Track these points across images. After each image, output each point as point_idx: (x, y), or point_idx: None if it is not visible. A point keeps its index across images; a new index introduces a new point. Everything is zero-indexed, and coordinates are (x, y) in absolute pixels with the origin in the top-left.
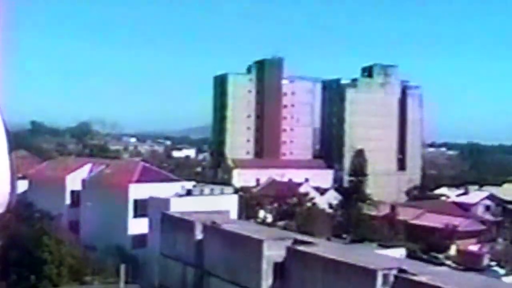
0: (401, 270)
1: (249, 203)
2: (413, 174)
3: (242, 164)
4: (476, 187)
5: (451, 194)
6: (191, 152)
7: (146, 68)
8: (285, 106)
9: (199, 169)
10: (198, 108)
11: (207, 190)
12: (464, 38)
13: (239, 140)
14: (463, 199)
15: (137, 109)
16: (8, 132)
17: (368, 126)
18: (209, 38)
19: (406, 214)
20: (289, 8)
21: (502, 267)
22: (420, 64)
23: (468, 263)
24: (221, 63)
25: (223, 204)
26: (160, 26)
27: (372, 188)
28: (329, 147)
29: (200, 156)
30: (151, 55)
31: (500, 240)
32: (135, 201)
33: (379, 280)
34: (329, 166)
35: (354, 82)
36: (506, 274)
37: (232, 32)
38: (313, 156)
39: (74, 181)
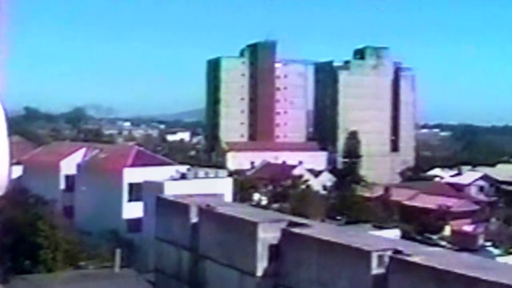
0: (396, 251)
1: (243, 186)
2: (407, 156)
3: (236, 147)
4: (469, 167)
5: (444, 175)
6: (185, 136)
7: (139, 54)
8: (278, 89)
9: (193, 152)
10: (192, 92)
11: (201, 173)
12: (456, 21)
13: (233, 123)
14: (457, 180)
15: (131, 94)
16: (6, 116)
17: (361, 108)
18: (202, 22)
19: (400, 195)
20: None
21: (496, 247)
22: (413, 47)
23: (463, 243)
24: (214, 47)
25: (217, 187)
26: (153, 12)
27: (365, 169)
28: (322, 130)
29: (194, 140)
30: (144, 41)
31: (494, 220)
32: (130, 185)
33: (374, 261)
34: (323, 148)
35: (346, 65)
36: (500, 254)
37: (225, 16)
38: (306, 139)
39: (68, 166)
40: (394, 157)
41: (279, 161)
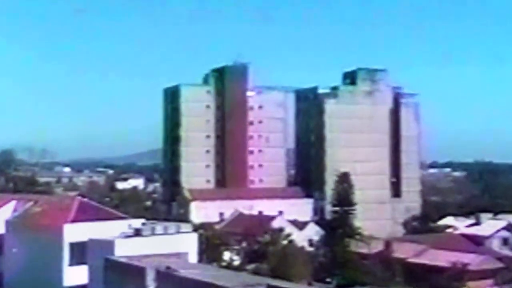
0: None
1: (211, 243)
2: (411, 202)
3: (201, 196)
4: (490, 215)
5: (459, 225)
6: (138, 183)
7: (80, 85)
8: (252, 123)
9: (149, 203)
10: (146, 129)
11: (159, 228)
12: (467, 39)
13: (196, 166)
14: (474, 230)
15: (72, 133)
16: None
17: (354, 145)
18: (157, 47)
19: (404, 251)
20: (249, 10)
21: None
22: (415, 69)
23: None
24: (172, 74)
25: (179, 245)
26: (100, 39)
27: (361, 220)
28: (306, 172)
29: (150, 187)
30: (87, 70)
31: None
32: (72, 245)
33: None
34: (308, 195)
35: (334, 91)
36: None
37: (183, 39)
38: (287, 183)
39: None
40: (396, 204)
41: (255, 212)
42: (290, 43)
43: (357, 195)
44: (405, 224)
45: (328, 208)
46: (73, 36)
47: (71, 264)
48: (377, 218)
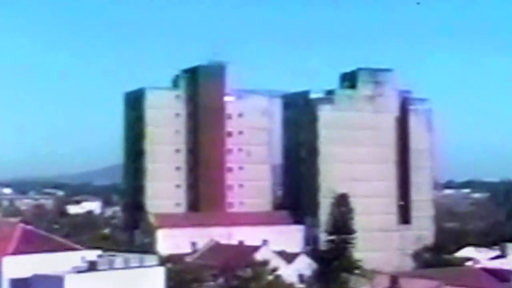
0: None
1: (182, 279)
2: (423, 229)
3: (170, 222)
4: None
5: (480, 257)
6: (94, 206)
7: (28, 93)
8: (230, 134)
9: (107, 230)
10: (104, 142)
11: (119, 261)
12: (490, 33)
13: (164, 187)
14: (499, 264)
15: (14, 148)
16: None
17: (353, 160)
18: (118, 46)
19: None
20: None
21: None
22: (425, 71)
23: None
24: (136, 78)
25: (143, 281)
26: (49, 40)
27: (362, 251)
28: (296, 193)
29: (108, 212)
30: (35, 75)
31: None
32: (13, 282)
33: None
34: (298, 221)
35: (329, 96)
36: None
37: (148, 35)
38: (273, 207)
39: None
40: (404, 232)
41: (234, 241)
42: (276, 39)
43: (357, 221)
44: (415, 255)
45: (323, 236)
46: (21, 42)
47: None
48: (382, 249)
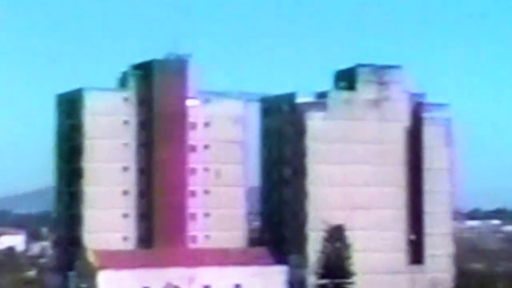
0: None
1: None
2: (439, 271)
3: (114, 261)
4: None
5: None
6: (16, 241)
7: None
8: (194, 149)
9: (32, 272)
10: (30, 159)
11: None
12: None
13: (108, 216)
14: None
15: None
16: None
17: (352, 182)
18: (50, 37)
19: None
20: None
21: None
22: (443, 68)
23: None
24: (72, 76)
25: None
26: None
27: None
28: (277, 224)
29: (35, 248)
30: None
31: None
32: None
33: None
34: (280, 260)
35: (321, 100)
36: None
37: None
38: (249, 242)
39: None
40: (417, 275)
41: (197, 286)
42: (253, 30)
43: (357, 261)
44: None
45: (312, 280)
46: None
47: None
48: None
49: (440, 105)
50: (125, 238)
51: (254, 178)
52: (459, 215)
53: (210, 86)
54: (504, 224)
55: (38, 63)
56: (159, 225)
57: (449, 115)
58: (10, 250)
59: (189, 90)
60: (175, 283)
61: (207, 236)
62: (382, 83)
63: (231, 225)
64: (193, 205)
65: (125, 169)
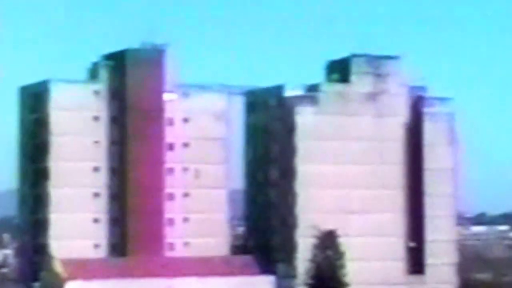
0: None
1: None
2: (441, 282)
3: (84, 271)
4: None
5: None
6: None
7: None
8: (172, 148)
9: None
10: None
11: None
12: None
13: (76, 221)
14: None
15: None
16: None
17: (345, 184)
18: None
19: None
20: None
21: None
22: (445, 60)
23: None
24: (38, 67)
25: None
26: None
27: None
28: (264, 229)
29: None
30: None
31: None
32: None
33: None
34: (266, 269)
35: (312, 93)
36: None
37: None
38: (232, 250)
39: None
40: (416, 285)
41: None
42: (236, 17)
43: (351, 270)
44: None
45: None
46: None
47: None
48: None
49: (442, 99)
50: (96, 246)
51: (238, 180)
52: (463, 220)
53: (189, 79)
54: None
55: None
56: (133, 231)
57: (452, 110)
58: None
59: (166, 83)
60: None
61: (186, 243)
62: (378, 75)
63: (212, 231)
64: (171, 209)
65: (96, 169)
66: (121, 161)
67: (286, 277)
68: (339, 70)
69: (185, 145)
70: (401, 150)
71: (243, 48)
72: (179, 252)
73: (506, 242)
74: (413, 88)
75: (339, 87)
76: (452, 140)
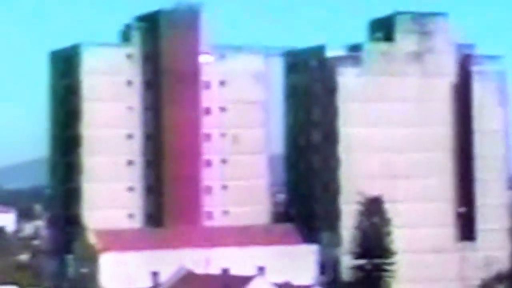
0: None
1: None
2: (493, 249)
3: (119, 243)
4: None
5: None
6: (6, 220)
7: None
8: (209, 112)
9: (25, 256)
10: (20, 126)
11: None
12: None
13: (110, 190)
14: None
15: None
16: None
17: (391, 148)
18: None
19: None
20: None
21: None
22: (494, 17)
23: None
24: (68, 33)
25: None
26: None
27: (406, 280)
28: (306, 197)
29: (28, 228)
30: None
31: None
32: None
33: None
34: (309, 238)
35: (355, 53)
36: None
37: None
38: (272, 218)
39: None
40: (467, 253)
41: (215, 269)
42: None
43: (398, 238)
44: (484, 287)
45: (346, 261)
46: None
47: None
48: (434, 279)
49: (491, 57)
50: (130, 216)
51: (278, 144)
52: None
53: (226, 40)
54: None
55: (30, 17)
56: (169, 200)
57: (502, 68)
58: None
59: (202, 45)
60: (189, 266)
61: (225, 212)
62: (424, 33)
63: (252, 199)
64: (209, 177)
65: (130, 136)
66: (155, 127)
67: (330, 246)
68: (383, 28)
69: (222, 109)
70: (449, 112)
71: (281, 8)
72: (218, 221)
73: None
74: (460, 46)
75: (383, 46)
76: (502, 100)
